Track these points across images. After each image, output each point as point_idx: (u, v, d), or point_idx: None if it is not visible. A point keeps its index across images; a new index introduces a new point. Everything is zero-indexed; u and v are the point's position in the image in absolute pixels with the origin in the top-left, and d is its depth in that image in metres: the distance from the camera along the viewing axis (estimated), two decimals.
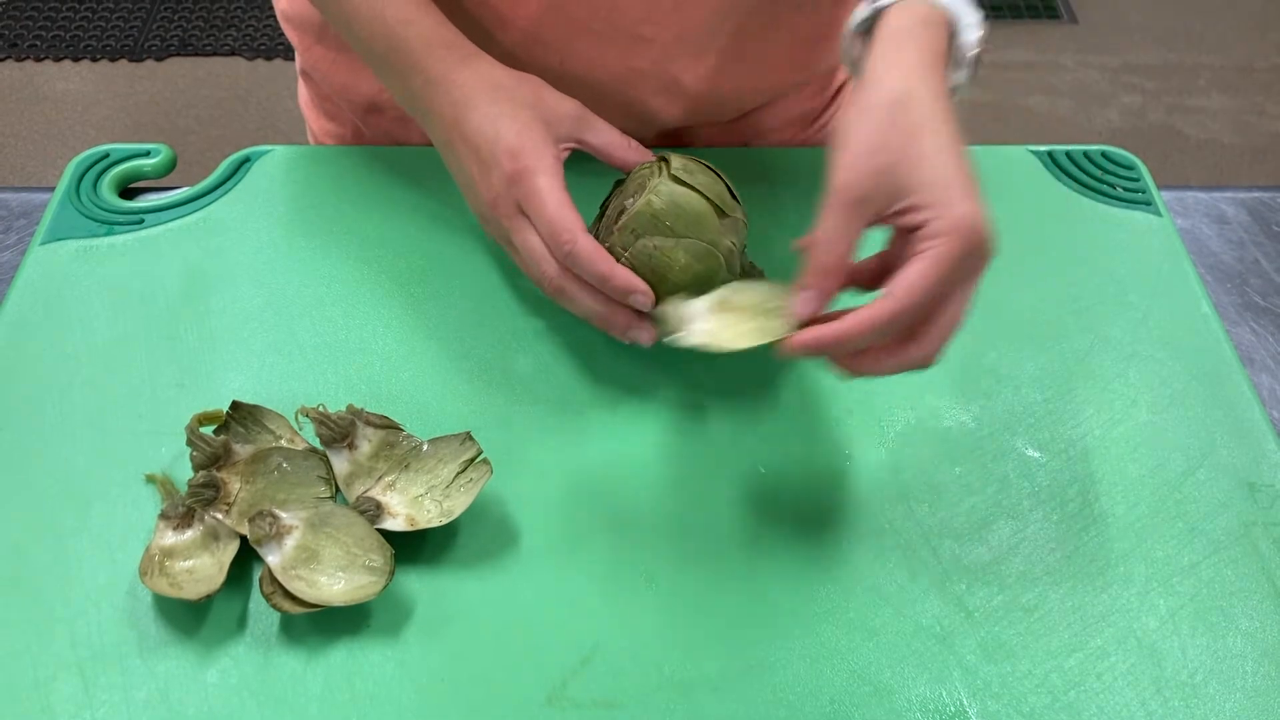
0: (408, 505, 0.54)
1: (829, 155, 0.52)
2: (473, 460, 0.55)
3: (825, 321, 0.51)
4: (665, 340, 0.56)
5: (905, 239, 0.52)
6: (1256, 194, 0.79)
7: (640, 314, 0.59)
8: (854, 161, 0.51)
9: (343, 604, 0.50)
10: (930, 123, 0.51)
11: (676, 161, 0.59)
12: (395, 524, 0.53)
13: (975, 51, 0.57)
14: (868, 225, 0.51)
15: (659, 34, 0.68)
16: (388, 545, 0.52)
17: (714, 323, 0.56)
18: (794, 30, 0.73)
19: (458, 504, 0.54)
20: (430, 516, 0.54)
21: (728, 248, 0.58)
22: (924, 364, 0.52)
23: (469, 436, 0.56)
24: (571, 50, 0.68)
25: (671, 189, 0.57)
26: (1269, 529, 0.57)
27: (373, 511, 0.53)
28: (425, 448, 0.56)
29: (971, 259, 0.50)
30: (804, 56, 0.76)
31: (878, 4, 0.56)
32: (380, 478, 0.55)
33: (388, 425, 0.56)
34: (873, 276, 0.55)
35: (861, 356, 0.52)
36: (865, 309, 0.50)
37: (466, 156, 0.61)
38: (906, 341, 0.51)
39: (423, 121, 0.64)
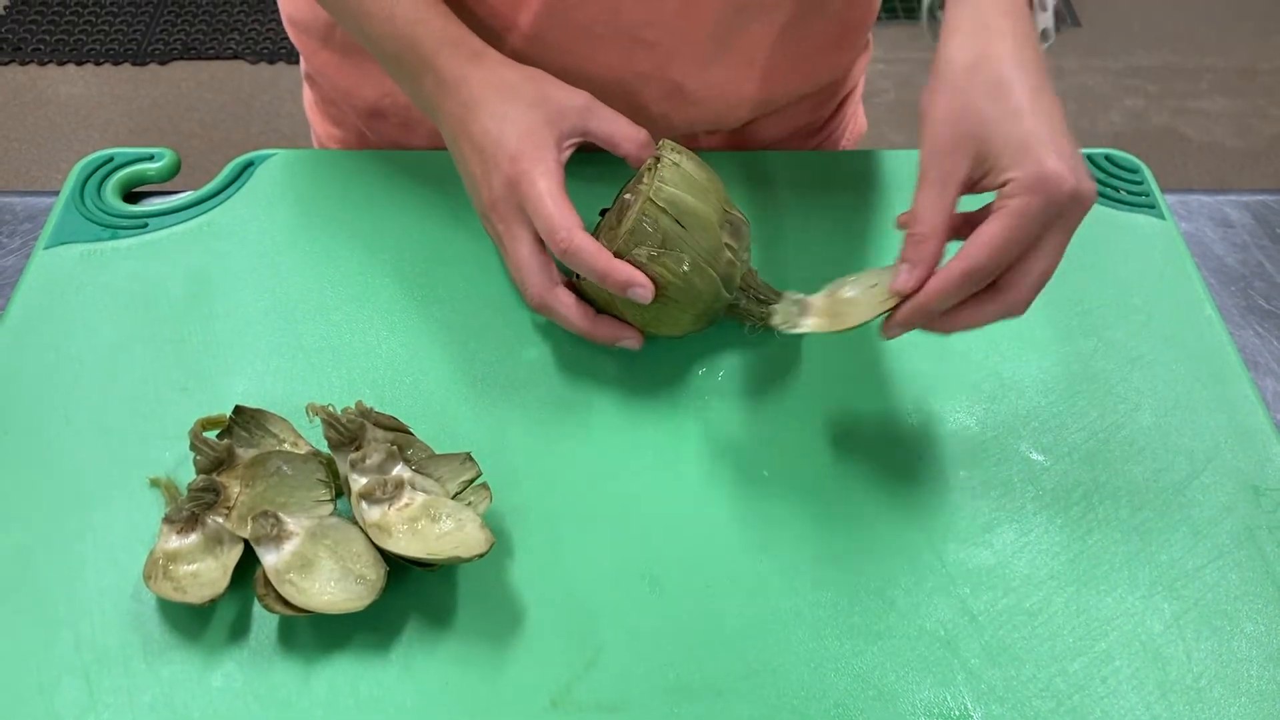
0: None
1: (919, 131, 0.53)
2: (471, 482, 0.55)
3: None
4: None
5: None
6: (1260, 197, 0.79)
7: (623, 323, 0.59)
8: (935, 135, 0.52)
9: (328, 612, 0.50)
10: (1006, 82, 0.51)
11: (675, 159, 0.59)
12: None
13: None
14: (958, 195, 0.52)
15: (661, 38, 0.68)
16: (383, 563, 0.52)
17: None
18: (799, 39, 0.73)
19: None
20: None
21: (727, 259, 0.58)
22: (1013, 312, 0.53)
23: (469, 457, 0.56)
24: (574, 53, 0.68)
25: (671, 194, 0.57)
26: (1274, 532, 0.57)
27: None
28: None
29: (1051, 210, 0.50)
30: (809, 67, 0.76)
31: None
32: None
33: (396, 427, 0.56)
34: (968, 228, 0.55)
35: (954, 313, 0.53)
36: (942, 270, 0.52)
37: (471, 157, 0.61)
38: (994, 292, 0.53)
39: (433, 120, 0.65)
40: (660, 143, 0.61)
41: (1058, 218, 0.51)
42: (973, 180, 0.52)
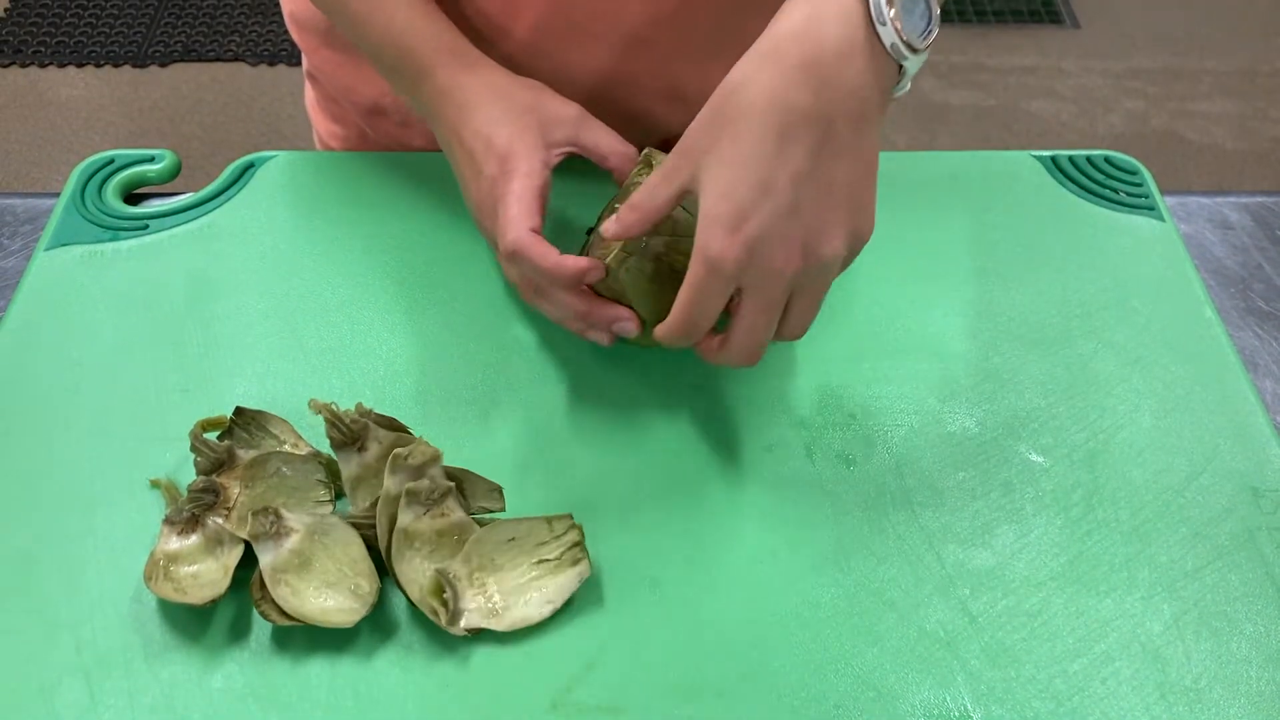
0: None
1: None
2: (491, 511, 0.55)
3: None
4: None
5: None
6: (1260, 199, 0.79)
7: (618, 305, 0.59)
8: (683, 136, 0.51)
9: (318, 624, 0.50)
10: (743, 120, 0.49)
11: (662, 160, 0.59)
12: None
13: (894, 8, 0.49)
14: (674, 196, 0.52)
15: (660, 37, 0.68)
16: (376, 575, 0.52)
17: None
18: None
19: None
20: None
21: None
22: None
23: (500, 491, 0.55)
24: (572, 56, 0.68)
25: (625, 262, 0.57)
26: (1273, 534, 0.57)
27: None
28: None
29: (721, 282, 0.50)
30: None
31: None
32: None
33: (395, 428, 0.56)
34: None
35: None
36: (670, 314, 0.53)
37: (464, 160, 0.61)
38: (721, 341, 0.54)
39: (431, 126, 0.65)
40: (645, 151, 0.61)
41: (743, 283, 0.50)
42: (689, 193, 0.52)
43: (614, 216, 0.54)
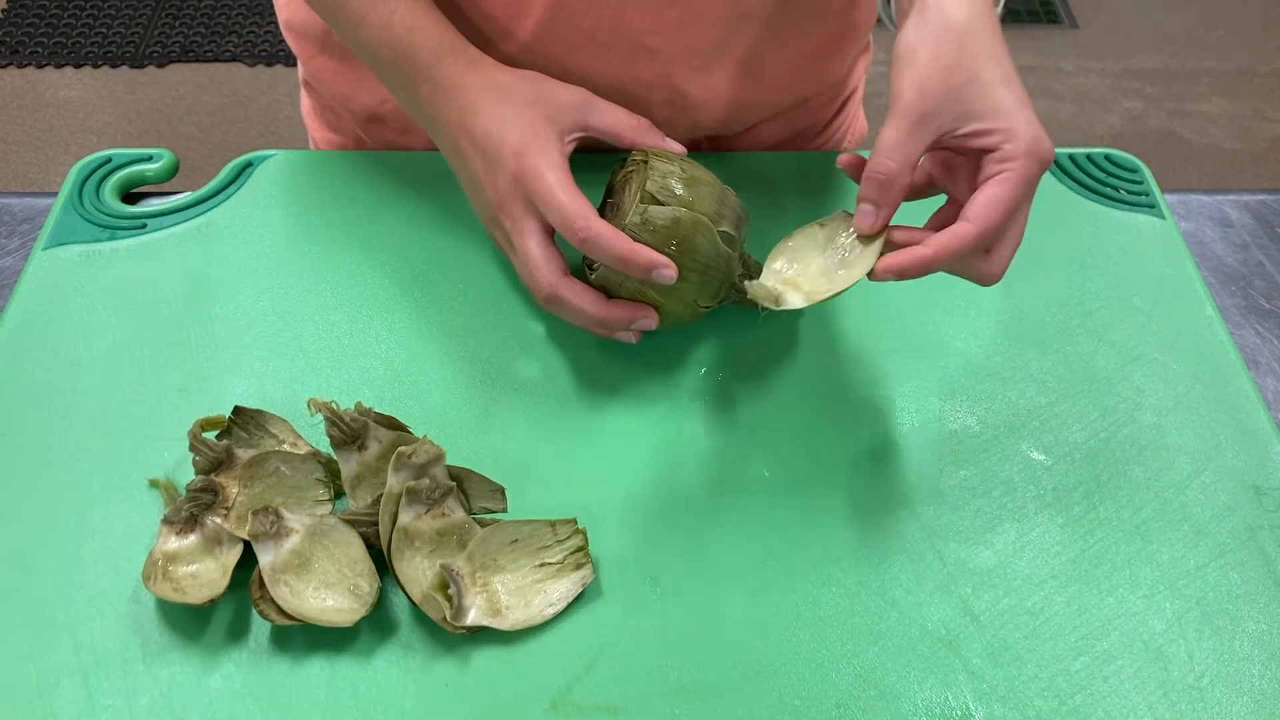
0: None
1: (892, 75, 0.54)
2: (492, 512, 0.55)
3: (907, 238, 0.54)
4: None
5: (972, 160, 0.54)
6: (1260, 197, 0.79)
7: (637, 303, 0.59)
8: (924, 79, 0.52)
9: (317, 623, 0.50)
10: (994, 53, 0.54)
11: (658, 152, 0.60)
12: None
13: None
14: (931, 141, 0.53)
15: (664, 45, 0.68)
16: (376, 576, 0.52)
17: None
18: (801, 44, 0.73)
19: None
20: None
21: (732, 218, 0.59)
22: (992, 280, 0.55)
23: (502, 492, 0.55)
24: (575, 61, 0.68)
25: (669, 168, 0.58)
26: (1275, 532, 0.57)
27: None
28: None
29: (1039, 175, 0.53)
30: (811, 70, 0.76)
31: None
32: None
33: (395, 427, 0.56)
34: (920, 189, 0.58)
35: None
36: (947, 234, 0.52)
37: (473, 160, 0.61)
38: (980, 258, 0.54)
39: (429, 127, 0.64)
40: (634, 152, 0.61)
41: (1036, 185, 0.53)
42: (946, 135, 0.53)
43: (867, 206, 0.54)
